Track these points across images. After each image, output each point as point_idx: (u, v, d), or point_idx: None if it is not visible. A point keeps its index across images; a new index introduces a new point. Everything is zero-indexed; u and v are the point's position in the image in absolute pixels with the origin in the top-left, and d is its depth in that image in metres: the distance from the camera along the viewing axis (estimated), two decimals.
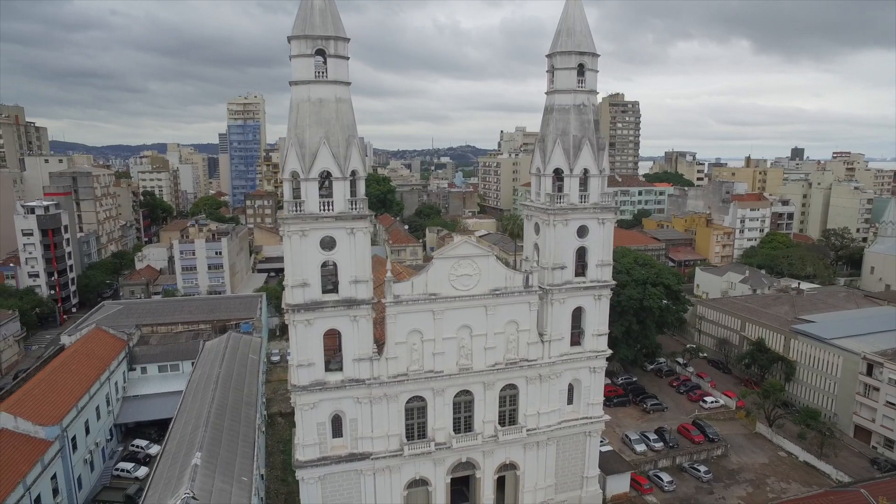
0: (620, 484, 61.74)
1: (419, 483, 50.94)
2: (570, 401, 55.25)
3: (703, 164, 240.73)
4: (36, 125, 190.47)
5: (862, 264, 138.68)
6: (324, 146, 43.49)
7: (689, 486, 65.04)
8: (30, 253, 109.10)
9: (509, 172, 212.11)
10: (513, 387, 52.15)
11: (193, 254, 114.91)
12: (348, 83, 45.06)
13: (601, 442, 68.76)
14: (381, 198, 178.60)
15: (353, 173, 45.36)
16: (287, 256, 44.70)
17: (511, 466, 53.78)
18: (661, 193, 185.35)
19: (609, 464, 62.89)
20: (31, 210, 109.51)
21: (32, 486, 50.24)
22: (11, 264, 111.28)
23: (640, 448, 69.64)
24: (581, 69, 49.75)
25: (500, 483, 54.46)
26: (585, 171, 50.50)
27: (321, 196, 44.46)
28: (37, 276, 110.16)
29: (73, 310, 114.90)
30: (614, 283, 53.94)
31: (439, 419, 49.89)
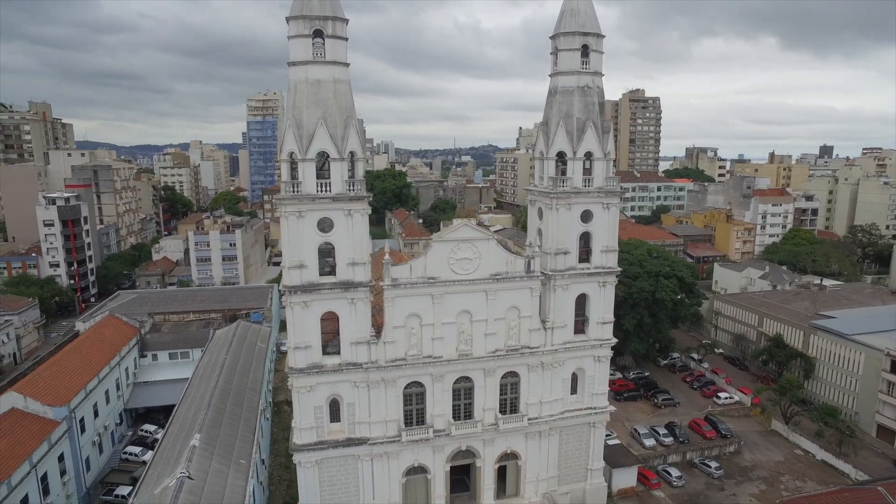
0: (627, 478, 60.34)
1: (418, 470, 50.35)
2: (574, 391, 54.06)
3: (725, 161, 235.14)
4: (62, 121, 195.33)
5: (891, 261, 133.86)
6: (321, 127, 43.19)
7: (698, 482, 63.30)
8: (50, 243, 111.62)
9: (527, 168, 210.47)
10: (514, 374, 51.21)
11: (208, 245, 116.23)
12: (346, 64, 44.67)
13: (609, 435, 67.50)
14: (397, 192, 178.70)
15: (352, 154, 44.97)
16: (284, 238, 44.56)
17: (512, 456, 52.84)
18: (681, 189, 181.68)
19: (616, 457, 61.53)
20: (53, 201, 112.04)
21: (39, 463, 51.00)
22: (33, 254, 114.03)
23: (650, 443, 68.02)
24: (585, 50, 48.56)
25: (502, 473, 53.58)
26: (589, 154, 49.32)
27: (319, 177, 44.19)
28: (57, 265, 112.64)
29: (92, 299, 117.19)
30: (619, 269, 52.61)
31: (438, 406, 49.22)
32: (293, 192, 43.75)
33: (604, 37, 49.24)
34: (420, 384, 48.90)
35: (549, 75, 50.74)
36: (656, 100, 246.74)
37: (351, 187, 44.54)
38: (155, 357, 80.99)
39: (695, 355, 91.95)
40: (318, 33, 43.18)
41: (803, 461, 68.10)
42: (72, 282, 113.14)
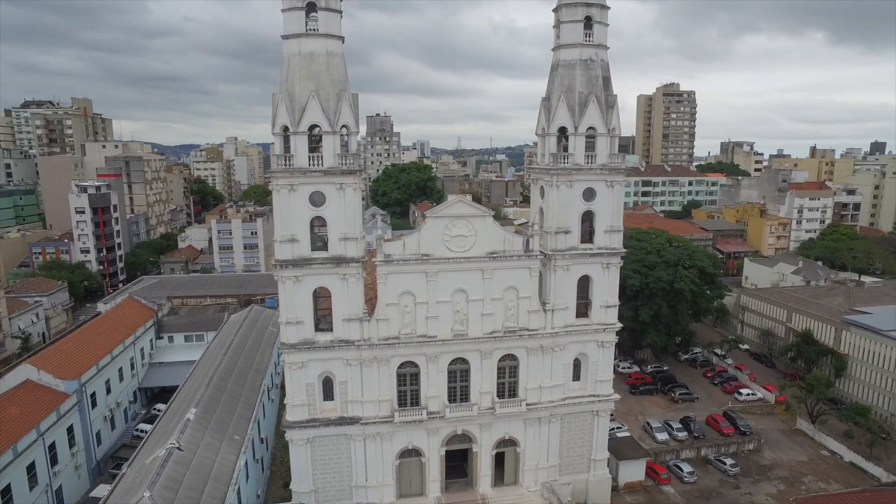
0: (635, 471, 58.02)
1: (412, 453, 49.43)
2: (577, 377, 52.15)
3: (762, 155, 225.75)
4: (102, 117, 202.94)
5: None
6: (313, 99, 42.73)
7: (712, 478, 60.39)
8: (82, 230, 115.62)
9: None
10: (513, 357, 49.70)
11: (230, 233, 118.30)
12: (340, 37, 44.10)
13: (619, 428, 65.41)
14: (422, 185, 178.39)
15: (345, 128, 44.40)
16: (276, 211, 44.32)
17: (511, 443, 51.34)
18: (714, 184, 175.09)
19: (624, 449, 59.29)
20: (84, 189, 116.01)
21: (46, 432, 52.28)
22: (66, 240, 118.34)
23: (662, 437, 65.37)
24: (588, 22, 46.68)
25: (501, 460, 52.16)
26: (592, 129, 47.39)
27: (311, 151, 43.77)
28: (88, 251, 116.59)
29: (120, 284, 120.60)
30: (624, 250, 50.46)
31: (433, 387, 48.17)
32: (286, 165, 43.46)
33: (608, 8, 47.25)
34: (414, 364, 47.95)
35: (552, 49, 49.02)
36: (691, 93, 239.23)
37: (343, 161, 43.95)
38: (171, 339, 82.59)
39: (718, 350, 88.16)
40: (311, 6, 42.74)
41: (829, 462, 64.23)
42: (101, 267, 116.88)
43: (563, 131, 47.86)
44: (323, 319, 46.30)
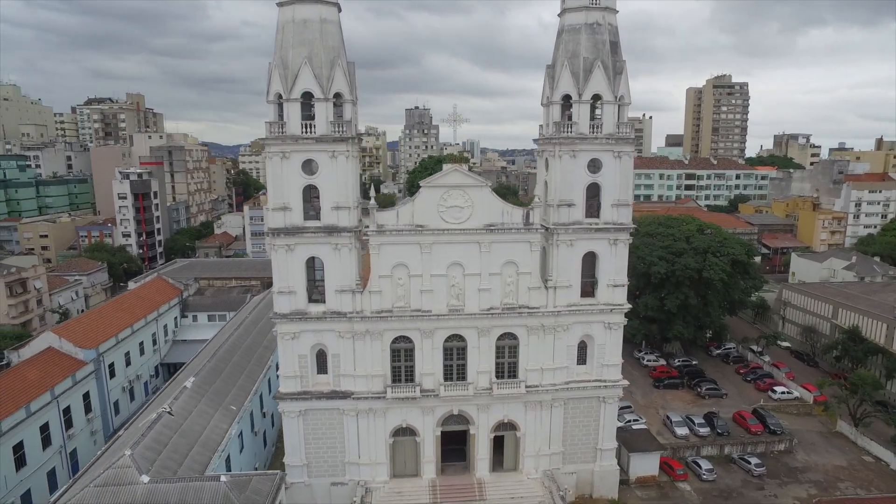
0: (647, 465, 54.70)
1: (406, 432, 48.18)
2: (582, 361, 49.52)
3: (819, 148, 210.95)
4: (153, 111, 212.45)
5: None
6: (305, 66, 42.14)
7: (734, 478, 56.24)
8: (123, 215, 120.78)
9: None
10: (512, 336, 47.62)
11: (262, 220, 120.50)
12: (335, 4, 43.38)
13: (636, 420, 62.10)
14: None
15: (338, 96, 43.65)
16: (269, 180, 44.07)
17: (510, 426, 49.26)
18: (763, 178, 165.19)
19: (637, 442, 56.07)
20: (126, 176, 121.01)
21: (60, 396, 54.14)
22: (109, 224, 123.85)
23: (682, 431, 61.49)
24: None
25: (501, 444, 50.17)
26: (598, 97, 44.72)
27: (305, 119, 43.23)
28: (129, 235, 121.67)
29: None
30: (633, 226, 47.44)
31: (427, 364, 46.73)
32: (279, 132, 43.09)
33: None
34: (409, 340, 46.66)
35: (558, 15, 46.58)
36: (743, 85, 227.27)
37: (336, 128, 43.17)
38: (195, 318, 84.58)
39: (754, 347, 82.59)
40: None
41: (872, 469, 58.72)
42: (141, 251, 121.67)
43: (567, 99, 45.43)
44: (316, 290, 45.72)
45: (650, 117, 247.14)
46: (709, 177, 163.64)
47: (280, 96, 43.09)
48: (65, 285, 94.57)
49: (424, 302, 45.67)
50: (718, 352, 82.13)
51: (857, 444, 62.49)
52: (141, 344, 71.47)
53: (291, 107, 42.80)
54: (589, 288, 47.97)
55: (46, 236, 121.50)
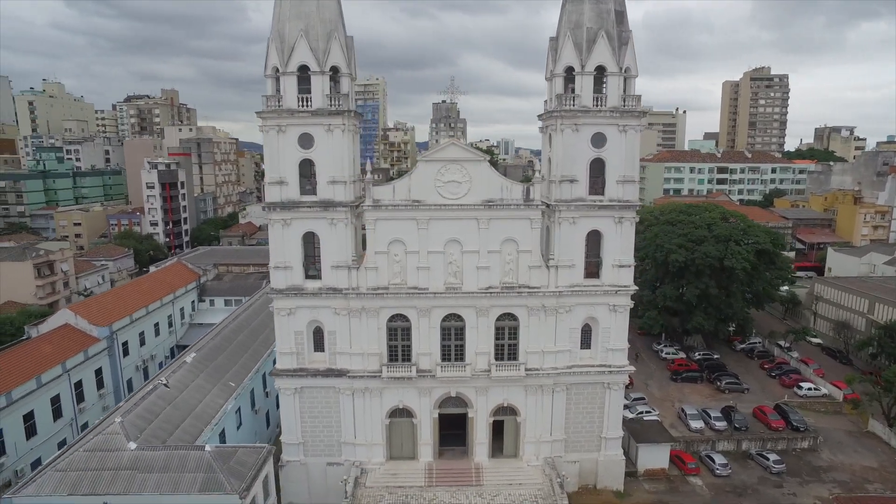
0: (656, 457, 52.42)
1: (403, 413, 47.32)
2: (586, 345, 47.70)
3: (864, 140, 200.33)
4: (187, 106, 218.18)
5: None
6: (301, 39, 41.80)
7: (750, 474, 53.39)
8: (151, 204, 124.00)
9: None
10: (512, 317, 46.20)
11: None
12: None
13: (648, 412, 59.85)
14: None
15: (335, 69, 43.16)
16: (266, 154, 43.90)
17: (510, 411, 47.84)
18: (801, 172, 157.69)
19: (647, 432, 53.90)
20: (154, 166, 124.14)
21: (72, 370, 55.41)
22: (138, 213, 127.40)
23: (697, 425, 58.83)
24: None
25: (501, 430, 48.81)
26: (602, 69, 42.90)
27: (302, 93, 42.87)
28: (156, 224, 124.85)
29: None
30: (640, 203, 45.39)
31: (424, 344, 45.77)
32: (277, 106, 42.85)
33: None
34: (405, 318, 45.79)
35: None
36: (783, 77, 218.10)
37: (333, 102, 42.65)
38: (212, 302, 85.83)
39: (781, 342, 78.64)
40: None
41: None
42: (167, 239, 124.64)
43: (570, 72, 43.76)
44: (313, 266, 45.34)
45: (684, 112, 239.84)
46: (742, 170, 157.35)
47: (277, 70, 42.86)
48: (91, 269, 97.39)
49: (421, 279, 44.73)
50: (742, 346, 78.57)
51: (891, 444, 58.64)
52: (156, 325, 72.77)
53: (288, 80, 42.51)
54: (593, 268, 46.15)
55: (80, 224, 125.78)
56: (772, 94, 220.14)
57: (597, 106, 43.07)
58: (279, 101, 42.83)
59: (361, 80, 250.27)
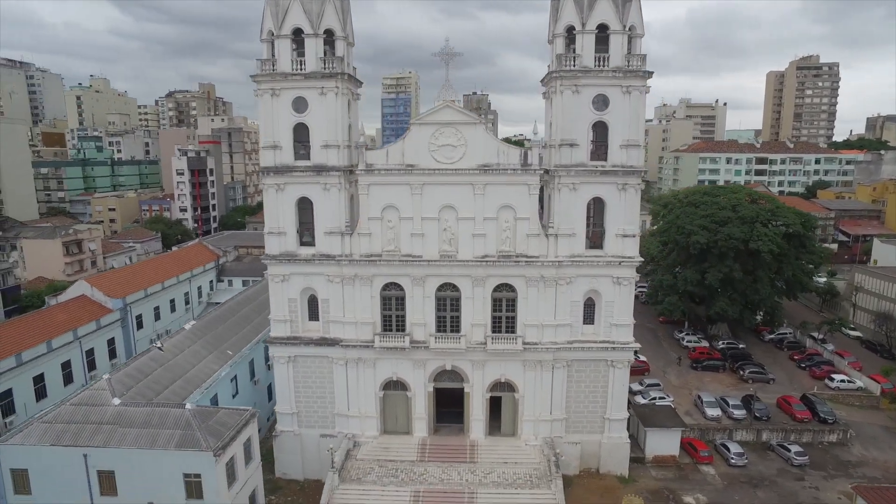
0: (666, 443, 49.73)
1: (397, 386, 46.25)
2: (590, 320, 45.53)
3: None
4: (223, 100, 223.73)
5: None
6: (295, 1, 41.25)
7: (769, 466, 50.04)
8: (181, 190, 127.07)
9: (658, 140, 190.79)
10: (510, 288, 44.47)
11: None
12: None
13: (662, 398, 57.11)
14: None
15: (329, 32, 42.45)
16: (261, 119, 43.60)
17: (508, 387, 46.12)
18: (848, 163, 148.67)
19: (657, 417, 51.31)
20: (185, 153, 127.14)
21: (84, 338, 56.75)
22: (168, 199, 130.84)
23: (713, 413, 55.63)
24: None
25: (499, 407, 47.15)
26: (604, 27, 40.72)
27: (296, 56, 42.35)
28: (185, 210, 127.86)
29: None
30: (644, 169, 42.93)
31: (418, 313, 44.57)
32: (271, 69, 42.47)
33: None
34: (399, 287, 44.71)
35: None
36: (833, 66, 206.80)
37: (327, 65, 41.94)
38: (230, 282, 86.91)
39: (815, 334, 73.91)
40: None
41: None
42: (196, 225, 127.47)
43: (571, 31, 41.73)
44: (307, 233, 44.78)
45: (724, 104, 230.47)
46: (783, 161, 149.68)
47: (272, 34, 42.44)
48: (119, 250, 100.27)
49: (415, 247, 43.57)
50: (771, 337, 74.22)
51: None
52: (172, 301, 73.99)
53: (282, 43, 42.06)
54: (596, 238, 43.99)
55: (114, 210, 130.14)
56: (820, 84, 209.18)
57: (598, 66, 40.91)
58: (273, 65, 42.42)
59: (394, 74, 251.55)
